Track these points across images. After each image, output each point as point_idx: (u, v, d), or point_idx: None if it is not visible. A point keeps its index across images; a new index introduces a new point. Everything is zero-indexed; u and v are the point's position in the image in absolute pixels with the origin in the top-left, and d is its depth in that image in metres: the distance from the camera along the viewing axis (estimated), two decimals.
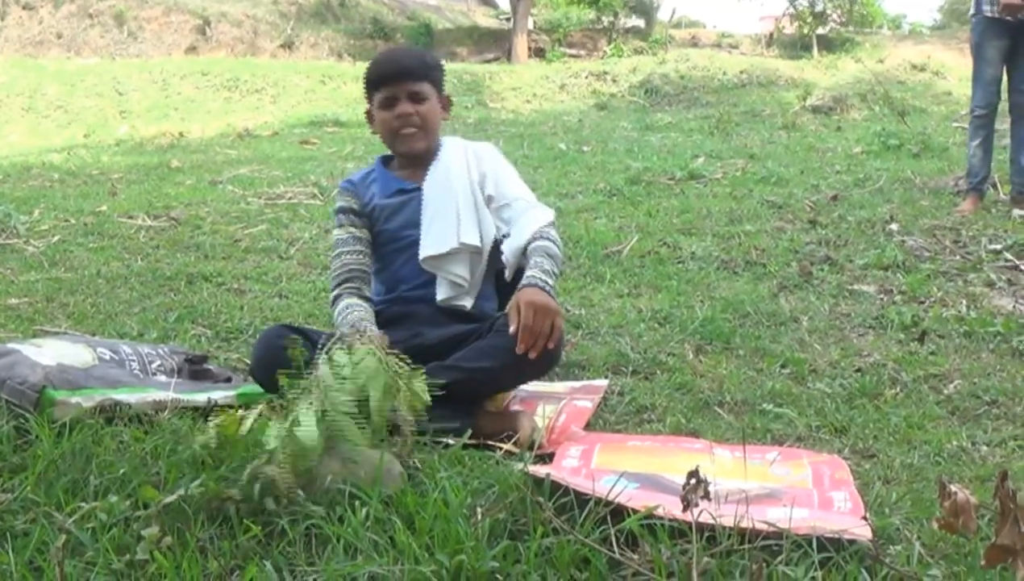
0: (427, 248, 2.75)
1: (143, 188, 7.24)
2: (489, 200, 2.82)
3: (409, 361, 2.20)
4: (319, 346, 2.24)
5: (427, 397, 2.19)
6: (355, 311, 2.68)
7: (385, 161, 2.96)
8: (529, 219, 2.73)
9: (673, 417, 2.72)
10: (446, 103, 2.93)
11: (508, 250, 2.70)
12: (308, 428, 1.93)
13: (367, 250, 2.85)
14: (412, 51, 2.92)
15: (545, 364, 2.54)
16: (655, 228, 5.45)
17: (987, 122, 5.84)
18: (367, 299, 2.79)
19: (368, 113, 2.91)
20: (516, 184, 2.88)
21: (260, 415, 2.06)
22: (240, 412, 2.08)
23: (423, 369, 2.25)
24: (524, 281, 2.53)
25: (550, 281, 2.54)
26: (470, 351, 2.54)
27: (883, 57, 18.52)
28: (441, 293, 2.76)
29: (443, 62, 3.00)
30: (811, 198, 6.28)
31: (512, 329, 2.41)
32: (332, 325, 2.74)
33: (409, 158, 2.87)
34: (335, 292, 2.79)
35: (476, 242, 2.76)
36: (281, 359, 2.45)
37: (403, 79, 2.79)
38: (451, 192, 2.79)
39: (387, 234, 2.84)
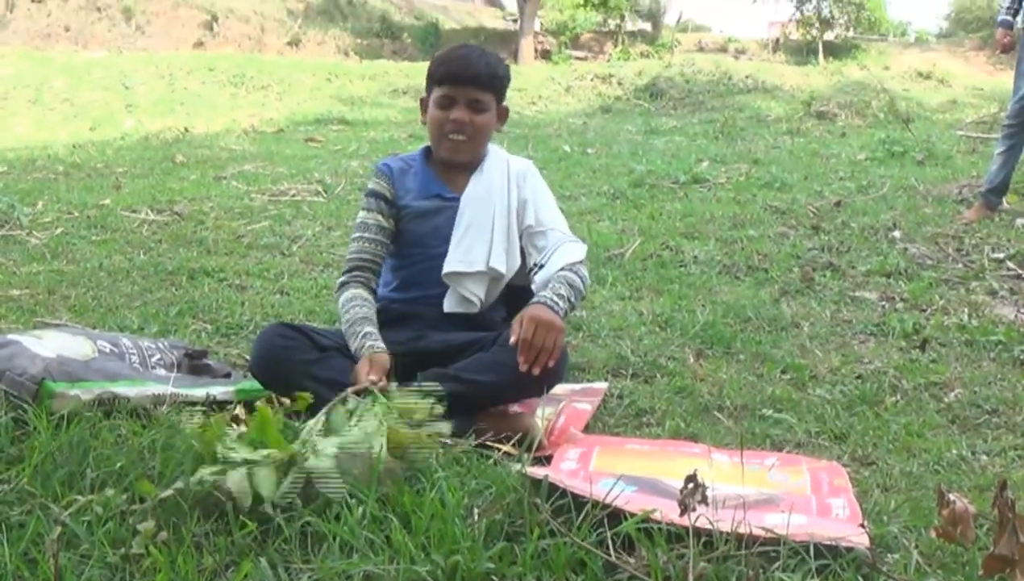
0: (453, 263, 2.71)
1: (147, 182, 7.24)
2: (528, 229, 2.78)
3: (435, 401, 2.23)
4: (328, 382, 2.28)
5: (437, 442, 2.17)
6: (358, 307, 2.65)
7: (428, 153, 2.88)
8: (563, 253, 2.70)
9: (672, 421, 2.72)
10: (503, 114, 2.85)
11: (540, 280, 2.67)
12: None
13: (387, 241, 2.79)
14: (486, 57, 2.76)
15: (546, 382, 2.50)
16: (658, 231, 5.45)
17: (1013, 133, 5.81)
18: (372, 291, 2.76)
19: (423, 102, 2.83)
20: (553, 212, 2.84)
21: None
22: (238, 411, 2.07)
23: (431, 392, 2.26)
24: (534, 299, 2.54)
25: (560, 303, 2.54)
26: (472, 362, 2.52)
27: (888, 64, 18.50)
28: (449, 305, 2.73)
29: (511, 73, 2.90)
30: (814, 204, 6.27)
31: (512, 340, 2.41)
32: (334, 315, 2.72)
33: (449, 165, 2.82)
34: (343, 278, 2.77)
35: (502, 270, 2.73)
36: (279, 357, 2.49)
37: (469, 84, 2.71)
38: (489, 212, 2.75)
39: (414, 236, 2.79)
